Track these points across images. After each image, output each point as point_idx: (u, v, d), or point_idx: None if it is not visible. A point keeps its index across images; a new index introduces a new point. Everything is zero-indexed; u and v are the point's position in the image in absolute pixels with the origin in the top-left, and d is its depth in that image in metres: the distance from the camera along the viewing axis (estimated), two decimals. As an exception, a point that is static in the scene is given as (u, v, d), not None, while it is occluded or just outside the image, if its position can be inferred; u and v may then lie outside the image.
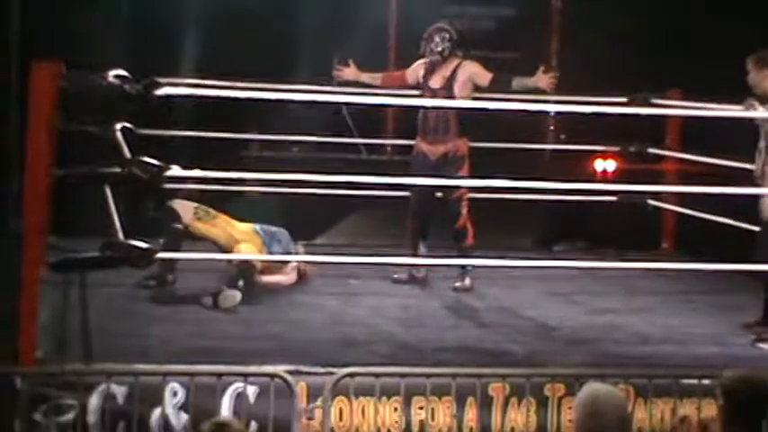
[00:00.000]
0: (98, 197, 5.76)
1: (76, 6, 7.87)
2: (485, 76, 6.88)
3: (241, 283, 6.35)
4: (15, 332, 4.80)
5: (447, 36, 6.98)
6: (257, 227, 6.89)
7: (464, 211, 6.91)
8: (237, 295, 6.29)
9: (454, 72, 6.92)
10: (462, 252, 6.91)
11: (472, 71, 6.92)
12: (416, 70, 7.11)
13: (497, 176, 5.72)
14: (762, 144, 6.09)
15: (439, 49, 6.94)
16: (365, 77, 7.24)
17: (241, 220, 6.94)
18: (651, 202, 8.10)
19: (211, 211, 6.80)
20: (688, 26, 9.28)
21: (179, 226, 6.60)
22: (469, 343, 5.80)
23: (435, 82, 6.97)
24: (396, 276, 7.10)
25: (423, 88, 7.03)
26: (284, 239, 6.92)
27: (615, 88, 7.68)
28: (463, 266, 6.92)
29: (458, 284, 6.95)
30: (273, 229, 6.96)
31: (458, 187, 6.83)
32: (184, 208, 6.71)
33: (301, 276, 7.03)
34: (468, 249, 6.92)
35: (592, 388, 3.48)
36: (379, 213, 8.55)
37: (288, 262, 6.89)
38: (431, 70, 7.01)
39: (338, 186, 7.23)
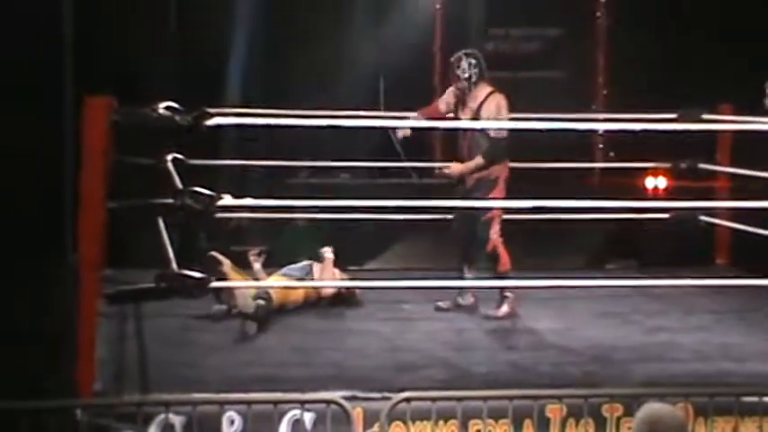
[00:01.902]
0: (151, 228, 5.83)
1: (127, 39, 8.00)
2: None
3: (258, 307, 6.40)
4: (75, 364, 4.84)
5: (473, 62, 6.83)
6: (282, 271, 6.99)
7: (493, 235, 6.75)
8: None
9: (481, 105, 6.78)
10: (498, 278, 6.75)
11: (491, 113, 6.73)
12: (448, 99, 6.99)
13: (547, 197, 5.70)
14: None
15: (466, 75, 6.80)
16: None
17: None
18: (704, 218, 8.02)
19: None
20: (737, 39, 9.22)
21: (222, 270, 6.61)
22: (525, 365, 5.77)
23: (465, 114, 6.84)
24: (439, 304, 6.97)
25: (455, 118, 6.94)
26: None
27: (664, 104, 7.64)
28: (501, 294, 6.80)
29: (489, 313, 6.79)
30: (299, 265, 7.04)
31: (486, 211, 6.71)
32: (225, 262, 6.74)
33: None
34: (503, 275, 6.74)
35: (651, 407, 3.45)
36: (432, 237, 8.55)
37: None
38: (461, 99, 6.88)
39: (389, 211, 7.24)
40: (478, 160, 6.76)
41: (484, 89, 6.84)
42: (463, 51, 6.95)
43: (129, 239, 6.78)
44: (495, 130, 6.69)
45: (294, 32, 9.81)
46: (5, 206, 4.62)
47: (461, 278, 6.89)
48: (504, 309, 6.77)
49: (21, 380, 4.48)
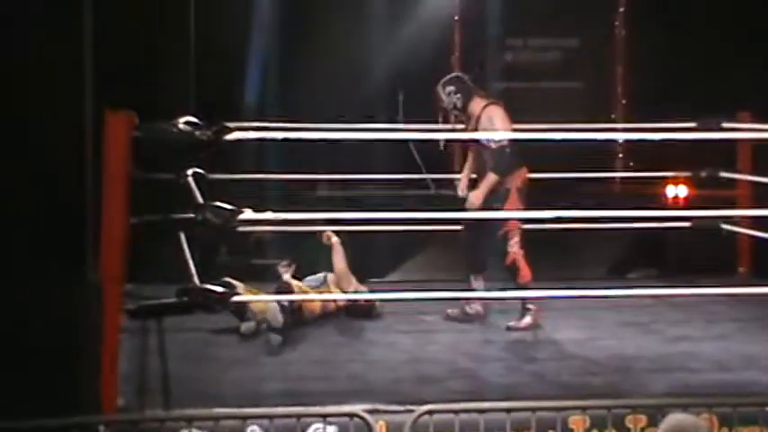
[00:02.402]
0: (173, 243, 5.85)
1: (147, 54, 8.04)
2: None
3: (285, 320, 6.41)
4: (98, 380, 4.86)
5: (452, 89, 6.85)
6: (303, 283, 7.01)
7: (512, 248, 6.71)
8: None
9: (478, 121, 6.80)
10: (519, 289, 6.71)
11: (484, 126, 6.75)
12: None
13: (568, 207, 5.69)
14: None
15: (451, 106, 6.86)
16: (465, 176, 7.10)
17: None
18: (725, 226, 7.99)
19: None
20: (756, 47, 9.21)
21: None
22: (547, 376, 5.75)
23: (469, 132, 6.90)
24: (448, 312, 6.97)
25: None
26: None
27: (684, 113, 7.62)
28: (523, 305, 6.77)
29: (511, 324, 6.75)
30: (314, 276, 7.08)
31: (503, 224, 6.71)
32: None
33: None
34: (523, 286, 6.70)
35: (675, 418, 3.43)
36: (452, 248, 8.53)
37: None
38: (461, 122, 6.94)
39: (409, 223, 7.23)
40: (491, 178, 6.72)
41: (478, 104, 6.85)
42: (442, 81, 6.94)
43: (150, 254, 6.79)
44: (496, 141, 6.69)
45: (312, 45, 9.84)
46: (26, 222, 4.64)
47: (469, 287, 6.86)
48: (527, 320, 6.75)
49: (44, 396, 4.50)
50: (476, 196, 6.72)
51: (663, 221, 7.45)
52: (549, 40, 10.81)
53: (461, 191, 7.02)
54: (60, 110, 4.71)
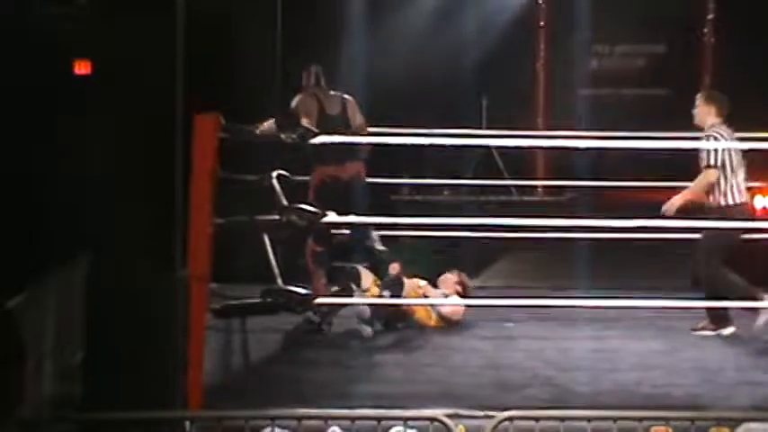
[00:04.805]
0: (256, 244, 5.93)
1: (233, 59, 8.16)
2: None
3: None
4: (185, 377, 4.93)
5: None
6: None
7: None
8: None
9: None
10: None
11: None
12: None
13: (653, 216, 5.65)
14: None
15: None
16: None
17: None
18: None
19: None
20: None
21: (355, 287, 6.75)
22: (628, 385, 5.71)
23: None
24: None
25: None
26: None
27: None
28: None
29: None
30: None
31: None
32: (366, 276, 6.85)
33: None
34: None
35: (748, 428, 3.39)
36: (533, 254, 8.53)
37: None
38: None
39: (490, 229, 7.23)
40: None
41: None
42: None
43: (233, 254, 6.88)
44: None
45: (398, 48, 9.87)
46: (117, 220, 4.73)
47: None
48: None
49: (133, 391, 4.58)
50: None
51: (751, 233, 7.35)
52: (635, 47, 10.74)
53: None
54: (152, 111, 4.79)
